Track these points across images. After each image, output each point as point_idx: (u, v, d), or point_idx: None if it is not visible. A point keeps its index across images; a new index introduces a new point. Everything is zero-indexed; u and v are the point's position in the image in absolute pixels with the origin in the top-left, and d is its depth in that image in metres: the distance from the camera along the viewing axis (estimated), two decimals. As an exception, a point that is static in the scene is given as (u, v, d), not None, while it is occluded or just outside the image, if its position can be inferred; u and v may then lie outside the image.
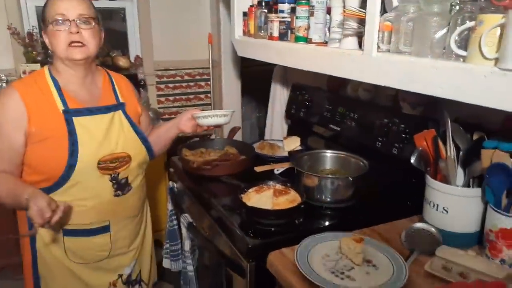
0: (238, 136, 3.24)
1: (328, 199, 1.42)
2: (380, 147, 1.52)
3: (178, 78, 3.27)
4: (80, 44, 1.25)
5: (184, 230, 1.47)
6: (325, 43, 1.50)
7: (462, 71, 0.95)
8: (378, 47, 1.22)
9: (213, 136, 3.04)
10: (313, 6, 1.49)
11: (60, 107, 1.26)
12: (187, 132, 1.55)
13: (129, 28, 3.11)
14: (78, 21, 1.25)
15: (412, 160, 1.23)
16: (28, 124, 1.22)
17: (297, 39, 1.61)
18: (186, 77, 3.30)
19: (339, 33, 1.40)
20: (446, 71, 0.99)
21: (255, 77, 3.04)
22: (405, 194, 1.42)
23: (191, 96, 3.35)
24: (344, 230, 1.27)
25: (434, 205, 1.23)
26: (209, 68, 3.31)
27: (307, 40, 1.56)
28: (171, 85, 3.26)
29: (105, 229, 1.36)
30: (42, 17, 1.28)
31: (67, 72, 1.30)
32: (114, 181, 1.31)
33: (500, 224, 1.07)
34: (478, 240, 1.19)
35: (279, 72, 2.31)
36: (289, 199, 1.32)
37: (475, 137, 1.20)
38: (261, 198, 1.34)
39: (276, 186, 1.41)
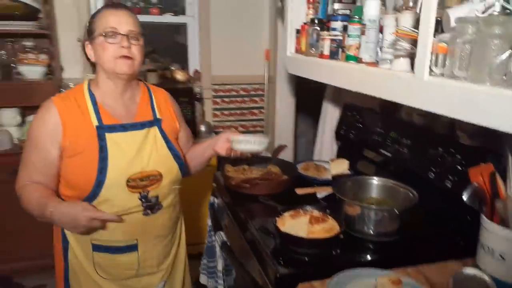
0: (289, 154, 3.20)
1: (371, 232, 1.32)
2: (433, 179, 1.39)
3: (233, 93, 3.31)
4: (128, 58, 1.27)
5: (217, 249, 1.44)
6: (376, 63, 1.42)
7: (525, 101, 0.83)
8: (431, 70, 1.12)
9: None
10: (365, 24, 1.42)
11: (94, 122, 1.26)
12: (222, 154, 1.45)
13: (190, 43, 3.20)
14: (128, 36, 1.26)
15: (465, 197, 1.10)
16: (63, 138, 1.24)
17: (348, 58, 1.54)
18: (241, 92, 3.32)
19: (390, 54, 1.32)
20: (506, 101, 0.87)
21: (315, 94, 2.99)
22: (458, 232, 1.28)
23: (246, 111, 3.36)
24: (386, 267, 1.17)
25: (489, 250, 1.08)
26: (264, 84, 3.31)
27: (357, 59, 1.49)
28: (226, 100, 3.30)
29: (132, 247, 1.33)
30: (89, 28, 1.29)
31: (107, 85, 1.31)
32: (143, 200, 1.29)
33: None
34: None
35: (331, 90, 2.24)
36: (326, 228, 1.24)
37: (542, 176, 1.04)
38: (296, 224, 1.27)
39: (313, 212, 1.33)
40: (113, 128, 1.28)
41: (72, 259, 1.34)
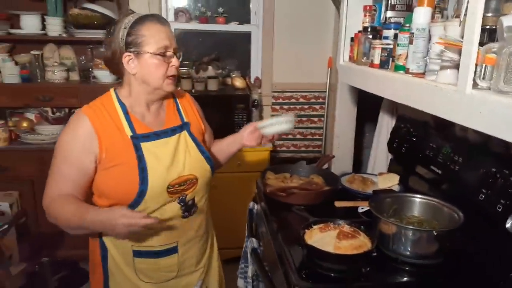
0: (348, 164, 3.10)
1: (407, 253, 1.23)
2: (483, 201, 1.26)
3: (293, 100, 3.30)
4: (175, 77, 1.29)
5: (248, 255, 1.45)
6: (423, 74, 1.33)
7: None
8: (476, 83, 1.02)
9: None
10: (413, 33, 1.34)
11: (128, 132, 1.25)
12: (251, 146, 1.51)
13: (253, 51, 3.26)
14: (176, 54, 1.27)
15: (508, 224, 0.99)
16: (99, 150, 1.22)
17: (396, 68, 1.47)
18: (301, 100, 3.31)
19: (437, 64, 1.23)
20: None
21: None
22: (508, 262, 1.15)
23: (304, 119, 3.33)
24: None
25: (536, 286, 0.96)
26: (325, 91, 3.26)
27: (406, 69, 1.41)
28: (285, 107, 3.30)
29: (173, 250, 1.34)
30: (131, 40, 1.21)
31: (141, 97, 1.28)
32: (182, 203, 1.31)
33: None
34: None
35: (387, 101, 2.14)
36: (354, 245, 1.19)
37: None
38: (324, 238, 1.23)
39: (344, 227, 1.29)
40: (147, 137, 1.27)
41: (111, 267, 1.34)
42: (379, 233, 1.29)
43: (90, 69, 2.85)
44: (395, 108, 2.09)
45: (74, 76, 2.93)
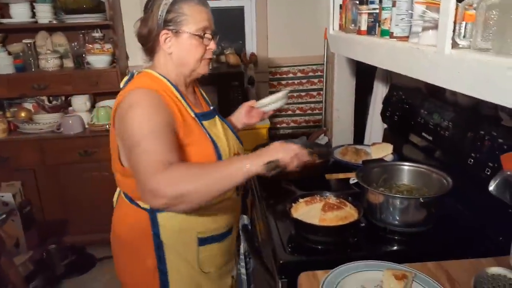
0: (349, 137, 3.06)
1: (396, 222, 1.22)
2: (472, 166, 1.23)
3: (290, 75, 3.24)
4: (210, 60, 1.24)
5: (240, 232, 1.45)
6: (407, 37, 1.28)
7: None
8: (457, 43, 0.98)
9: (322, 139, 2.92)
10: (396, -6, 1.29)
11: (190, 111, 1.19)
12: (253, 123, 1.53)
13: (247, 26, 3.20)
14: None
15: (491, 187, 0.96)
16: (177, 129, 1.13)
17: (382, 33, 1.42)
18: (299, 74, 3.25)
19: (420, 26, 1.18)
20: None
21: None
22: (496, 227, 1.13)
23: (303, 94, 3.28)
24: (407, 260, 1.08)
25: (522, 249, 0.94)
26: (323, 64, 3.19)
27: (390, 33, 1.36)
28: (283, 82, 3.25)
29: (230, 231, 1.31)
30: (170, 17, 1.15)
31: (178, 78, 1.22)
32: None
33: None
34: None
35: (381, 69, 2.08)
36: (340, 216, 1.17)
37: None
38: (310, 211, 1.22)
39: (330, 198, 1.27)
40: (204, 116, 1.23)
41: (172, 262, 1.21)
42: (367, 203, 1.27)
43: (84, 55, 2.83)
44: (389, 77, 2.03)
45: (68, 63, 2.92)
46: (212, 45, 1.22)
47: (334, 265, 1.04)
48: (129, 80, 1.21)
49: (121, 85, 1.23)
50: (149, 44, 1.21)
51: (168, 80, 1.20)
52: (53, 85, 2.74)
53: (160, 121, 1.08)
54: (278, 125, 3.33)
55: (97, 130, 2.71)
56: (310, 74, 3.26)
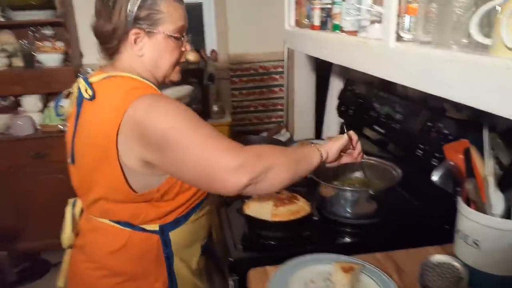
0: (310, 132, 3.08)
1: (347, 214, 1.23)
2: (421, 157, 1.26)
3: (252, 72, 3.23)
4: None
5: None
6: (356, 32, 1.29)
7: (477, 67, 0.70)
8: (401, 36, 0.99)
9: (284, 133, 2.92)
10: (345, -12, 1.29)
11: None
12: None
13: (206, 22, 3.16)
14: None
15: (434, 177, 0.98)
16: None
17: (334, 27, 1.42)
18: (260, 70, 3.24)
19: (368, 20, 1.19)
20: (461, 67, 0.74)
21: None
22: (443, 216, 1.16)
23: (265, 90, 3.28)
24: (358, 252, 1.09)
25: (463, 236, 0.96)
26: (283, 60, 3.19)
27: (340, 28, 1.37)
28: (244, 79, 3.23)
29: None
30: (143, 14, 0.98)
31: (154, 83, 1.05)
32: None
33: (543, 274, 0.79)
34: (523, 289, 0.90)
35: (337, 65, 2.10)
36: (292, 210, 1.17)
37: (523, 153, 0.90)
38: (263, 207, 1.21)
39: (282, 193, 1.27)
40: None
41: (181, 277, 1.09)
42: (319, 197, 1.27)
43: (34, 53, 2.70)
44: (345, 72, 2.05)
45: (18, 62, 2.77)
46: (188, 47, 1.08)
47: (286, 260, 1.03)
48: (90, 87, 0.97)
49: (86, 96, 0.97)
50: (113, 44, 1.00)
51: (154, 85, 1.02)
52: (1, 85, 2.60)
53: (194, 112, 0.94)
54: (240, 122, 3.31)
55: (50, 131, 2.60)
56: (272, 70, 3.26)
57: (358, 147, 1.15)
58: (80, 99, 1.00)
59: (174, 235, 1.04)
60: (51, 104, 2.78)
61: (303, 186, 1.44)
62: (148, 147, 0.90)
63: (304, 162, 0.99)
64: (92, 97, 0.97)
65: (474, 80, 0.70)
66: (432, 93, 0.85)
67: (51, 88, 2.66)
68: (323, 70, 2.94)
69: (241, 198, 1.27)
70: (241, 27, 3.12)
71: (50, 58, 2.65)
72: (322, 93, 3.20)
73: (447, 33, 0.84)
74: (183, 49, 1.07)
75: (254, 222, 1.17)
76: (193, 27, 3.17)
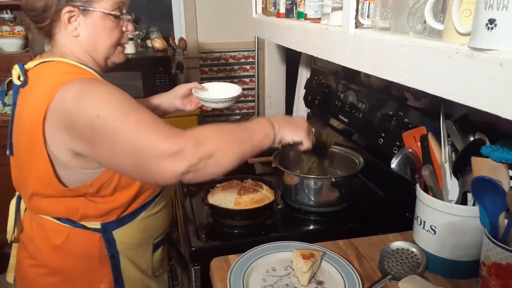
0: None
1: (311, 202, 1.23)
2: (382, 145, 1.27)
3: (222, 61, 3.19)
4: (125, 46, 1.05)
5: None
6: (319, 19, 1.28)
7: (428, 51, 0.70)
8: (360, 22, 0.99)
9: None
10: (308, -25, 1.28)
11: None
12: (187, 110, 1.35)
13: (174, 9, 3.09)
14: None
15: (393, 164, 0.99)
16: None
17: (298, 15, 1.41)
18: (230, 60, 3.21)
19: (330, 7, 1.18)
20: (413, 52, 0.75)
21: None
22: (405, 204, 1.17)
23: (235, 80, 3.25)
24: (321, 239, 1.09)
25: (421, 222, 0.98)
26: (254, 50, 3.17)
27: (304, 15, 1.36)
28: (215, 68, 3.19)
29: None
30: None
31: (96, 66, 1.00)
32: None
33: (493, 257, 0.81)
34: (476, 272, 0.92)
35: (305, 54, 2.10)
36: (255, 199, 1.16)
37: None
38: (226, 196, 1.20)
39: (247, 182, 1.25)
40: None
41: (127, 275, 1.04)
42: (283, 185, 1.27)
43: (-9, 38, 2.57)
44: (312, 61, 2.05)
45: (-26, 47, 2.64)
46: (130, 27, 1.01)
47: (249, 248, 1.02)
48: (23, 74, 0.93)
49: (16, 82, 0.93)
50: (46, 22, 0.93)
51: (92, 69, 0.96)
52: (-45, 71, 2.47)
53: (130, 97, 0.87)
54: (210, 112, 3.27)
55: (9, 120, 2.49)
56: (242, 60, 3.23)
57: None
58: (16, 87, 0.94)
59: (119, 234, 0.99)
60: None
61: (268, 175, 1.44)
62: (77, 137, 0.85)
63: (254, 145, 0.92)
64: (24, 84, 0.92)
65: (426, 64, 0.70)
66: (388, 79, 0.85)
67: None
68: (293, 60, 2.95)
69: (205, 187, 1.25)
70: (211, 15, 3.07)
71: (9, 43, 2.54)
72: (293, 83, 3.22)
73: (404, 19, 0.85)
74: (124, 29, 1.00)
75: (217, 211, 1.16)
76: (161, 14, 3.10)
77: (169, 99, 1.33)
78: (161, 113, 1.32)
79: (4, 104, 1.07)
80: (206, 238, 1.12)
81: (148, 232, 1.06)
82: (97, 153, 0.85)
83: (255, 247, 1.02)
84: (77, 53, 0.96)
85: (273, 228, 1.18)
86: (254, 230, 1.16)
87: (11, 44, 2.55)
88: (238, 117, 3.28)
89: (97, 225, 0.97)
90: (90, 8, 0.92)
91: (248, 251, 1.01)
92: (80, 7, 0.92)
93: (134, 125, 0.81)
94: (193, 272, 1.07)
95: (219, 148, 0.84)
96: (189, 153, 0.80)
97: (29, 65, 0.94)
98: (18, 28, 2.56)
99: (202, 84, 1.32)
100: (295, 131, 1.00)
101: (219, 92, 1.30)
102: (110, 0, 0.94)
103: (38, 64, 0.94)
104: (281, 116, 1.04)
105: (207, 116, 3.20)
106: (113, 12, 0.95)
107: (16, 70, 0.93)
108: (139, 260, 1.05)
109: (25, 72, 0.93)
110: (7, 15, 2.63)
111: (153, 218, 1.05)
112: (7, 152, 1.02)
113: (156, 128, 0.82)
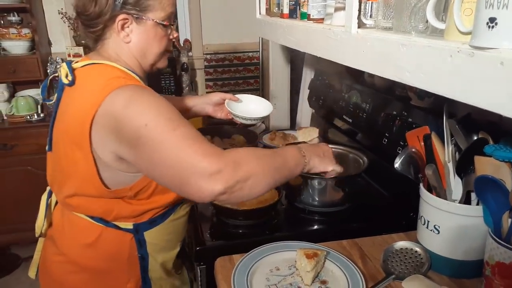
0: (286, 123, 3.08)
1: (315, 202, 1.23)
2: (386, 145, 1.27)
3: (227, 62, 3.20)
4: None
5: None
6: (323, 19, 1.29)
7: (430, 50, 0.70)
8: (363, 22, 0.99)
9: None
10: (311, -24, 1.29)
11: None
12: (218, 118, 1.39)
13: (179, 11, 3.10)
14: None
15: (396, 164, 0.99)
16: None
17: (302, 16, 1.42)
18: (235, 61, 3.21)
19: (333, 7, 1.19)
20: (415, 51, 0.75)
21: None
22: (408, 203, 1.17)
23: (240, 81, 3.26)
24: (325, 239, 1.10)
25: (425, 222, 0.98)
26: (258, 51, 3.18)
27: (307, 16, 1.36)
28: (219, 70, 3.20)
29: None
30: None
31: (141, 72, 1.02)
32: None
33: (497, 256, 0.80)
34: (479, 272, 0.92)
35: (309, 54, 2.10)
36: (260, 199, 1.17)
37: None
38: (230, 196, 1.20)
39: (250, 182, 1.26)
40: None
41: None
42: (287, 185, 1.27)
43: (-1, 41, 2.61)
44: (316, 61, 2.05)
45: (-18, 50, 2.67)
46: (175, 35, 1.03)
47: (253, 248, 1.03)
48: (71, 73, 0.93)
49: (65, 81, 0.94)
50: (98, 27, 0.94)
51: (137, 75, 0.97)
52: (-38, 74, 2.51)
53: (176, 109, 0.88)
54: (216, 113, 3.28)
55: (16, 121, 2.51)
56: (247, 61, 3.24)
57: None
58: (62, 85, 0.96)
59: (150, 235, 1.00)
60: (19, 94, 2.69)
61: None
62: (123, 143, 0.85)
63: (287, 171, 0.93)
64: (72, 83, 0.93)
65: (428, 63, 0.70)
66: (391, 78, 0.85)
67: (17, 76, 2.58)
68: (298, 60, 2.95)
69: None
70: (216, 17, 3.08)
71: (16, 45, 2.56)
72: (297, 84, 3.22)
73: (406, 19, 0.85)
74: (171, 37, 1.02)
75: (222, 211, 1.16)
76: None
77: (202, 104, 1.38)
78: (192, 115, 1.38)
79: (44, 99, 1.09)
80: (210, 237, 1.12)
81: (175, 234, 1.07)
82: (139, 160, 0.85)
83: (259, 247, 1.02)
84: (125, 58, 0.98)
85: (277, 228, 1.19)
86: (258, 229, 1.17)
87: (18, 46, 2.57)
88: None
89: (129, 225, 0.98)
90: (144, 17, 0.94)
91: (252, 250, 1.01)
92: (134, 15, 0.94)
93: (180, 139, 0.81)
94: (199, 271, 1.08)
95: (256, 172, 0.84)
96: (228, 175, 0.79)
97: (76, 64, 0.95)
98: (25, 31, 2.58)
99: (236, 95, 1.35)
100: (324, 163, 1.02)
101: (251, 107, 1.33)
102: (163, 10, 0.96)
103: (86, 65, 0.95)
104: (307, 144, 1.06)
105: (211, 116, 3.21)
106: (164, 22, 0.97)
107: (64, 69, 0.94)
108: (166, 261, 1.06)
109: (72, 71, 0.94)
110: (14, 18, 2.66)
111: (181, 221, 1.07)
112: (46, 148, 1.03)
113: (200, 145, 0.82)
